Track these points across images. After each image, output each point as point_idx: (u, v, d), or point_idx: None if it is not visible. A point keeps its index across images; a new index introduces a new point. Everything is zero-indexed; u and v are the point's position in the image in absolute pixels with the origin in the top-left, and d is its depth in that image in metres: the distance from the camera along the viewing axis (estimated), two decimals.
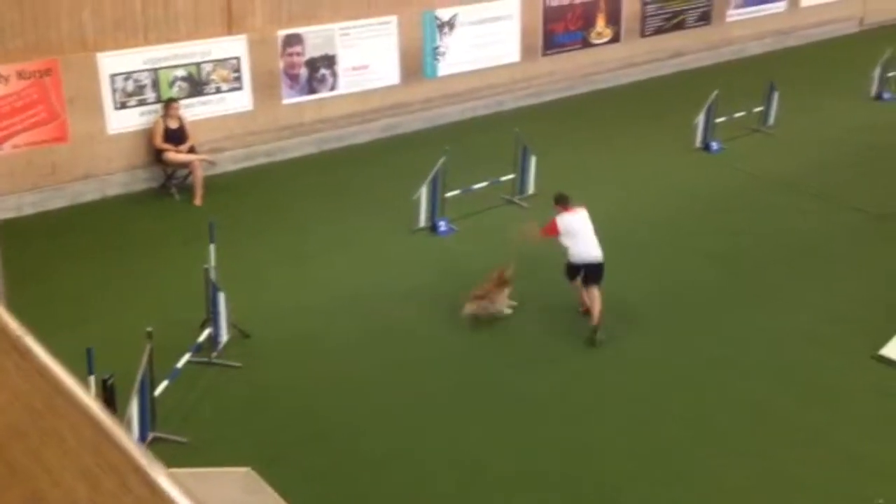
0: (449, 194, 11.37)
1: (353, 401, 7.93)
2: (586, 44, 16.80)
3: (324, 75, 13.64)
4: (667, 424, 7.68)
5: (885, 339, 8.78)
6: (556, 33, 16.30)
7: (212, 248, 8.47)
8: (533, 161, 12.01)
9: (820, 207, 12.01)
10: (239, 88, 12.86)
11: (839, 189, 12.55)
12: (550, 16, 16.11)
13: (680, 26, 18.20)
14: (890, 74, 16.83)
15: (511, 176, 12.03)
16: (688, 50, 18.46)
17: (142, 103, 12.04)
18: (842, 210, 11.91)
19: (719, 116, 14.25)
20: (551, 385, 8.18)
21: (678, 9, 18.05)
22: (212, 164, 12.29)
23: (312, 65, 13.51)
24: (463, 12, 14.92)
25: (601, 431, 7.58)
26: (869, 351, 8.67)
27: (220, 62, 12.61)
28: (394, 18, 14.19)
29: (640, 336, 8.98)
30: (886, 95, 16.57)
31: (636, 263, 10.41)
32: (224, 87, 12.72)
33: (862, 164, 13.58)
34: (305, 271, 10.17)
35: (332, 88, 13.78)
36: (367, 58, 14.02)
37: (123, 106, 11.90)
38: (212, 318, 8.35)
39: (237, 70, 12.78)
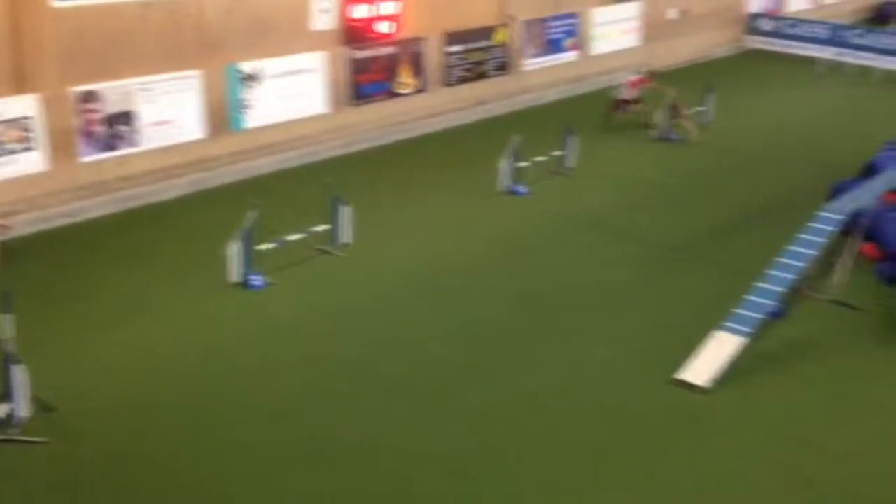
0: (262, 247, 11.23)
1: (170, 472, 7.63)
2: (392, 94, 17.17)
3: (123, 131, 13.24)
4: (480, 465, 7.85)
5: (680, 364, 9.37)
6: (363, 84, 16.58)
7: (7, 318, 7.98)
8: (346, 210, 12.09)
9: (618, 243, 12.72)
10: (31, 148, 12.26)
11: (635, 225, 13.37)
12: (356, 67, 16.37)
13: (481, 76, 18.95)
14: (673, 121, 18.11)
15: (325, 226, 12.05)
16: (489, 98, 19.22)
17: None
18: (638, 245, 12.66)
19: (523, 161, 14.87)
20: (373, 435, 8.21)
21: (478, 60, 18.80)
22: (6, 228, 11.62)
23: (111, 121, 13.09)
24: (267, 65, 14.91)
25: (419, 479, 7.64)
26: (665, 376, 9.23)
27: (9, 122, 11.99)
28: (196, 73, 14.00)
29: (450, 378, 9.16)
30: (674, 137, 17.79)
31: (444, 307, 10.66)
32: (15, 147, 12.10)
33: (654, 201, 14.53)
34: (114, 337, 9.74)
35: (133, 144, 13.40)
36: (169, 112, 13.74)
37: None
38: (8, 393, 7.86)
39: (28, 129, 12.19)
